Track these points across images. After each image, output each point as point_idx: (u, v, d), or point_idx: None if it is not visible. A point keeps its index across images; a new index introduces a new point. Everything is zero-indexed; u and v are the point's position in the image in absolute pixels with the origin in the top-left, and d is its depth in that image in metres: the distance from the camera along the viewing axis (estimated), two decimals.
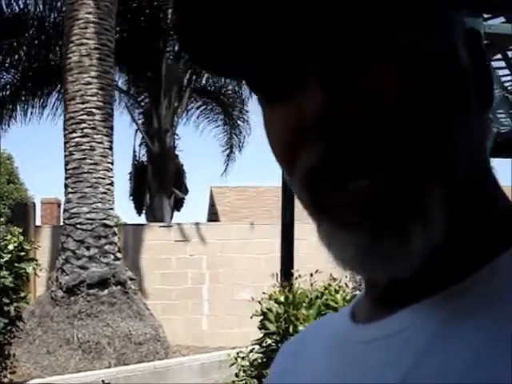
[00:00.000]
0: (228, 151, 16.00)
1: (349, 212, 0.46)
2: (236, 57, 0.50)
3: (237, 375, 4.90)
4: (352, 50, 0.46)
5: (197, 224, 12.09)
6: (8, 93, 14.08)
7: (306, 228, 11.03)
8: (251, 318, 4.76)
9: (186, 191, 15.92)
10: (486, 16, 2.54)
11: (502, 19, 2.89)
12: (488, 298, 0.46)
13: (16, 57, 13.64)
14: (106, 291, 8.81)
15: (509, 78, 4.08)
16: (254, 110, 16.30)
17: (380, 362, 0.49)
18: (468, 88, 0.50)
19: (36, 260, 7.59)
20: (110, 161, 9.32)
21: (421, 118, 0.46)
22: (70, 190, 9.07)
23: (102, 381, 6.68)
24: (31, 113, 14.46)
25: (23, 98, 14.25)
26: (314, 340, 0.62)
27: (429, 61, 0.47)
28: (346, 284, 4.76)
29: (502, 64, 3.87)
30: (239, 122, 15.83)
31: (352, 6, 0.46)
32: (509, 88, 4.17)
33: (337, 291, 4.48)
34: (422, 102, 0.46)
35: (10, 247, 7.17)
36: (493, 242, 0.49)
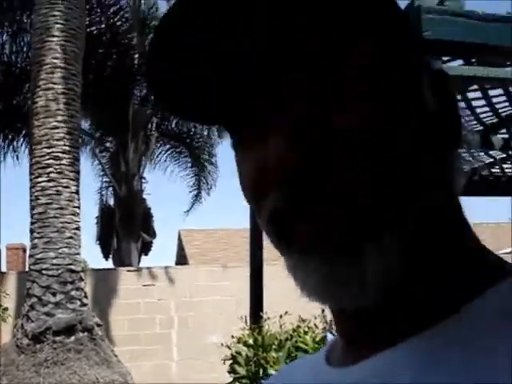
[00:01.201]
0: (196, 192, 15.98)
1: (310, 242, 0.48)
2: (208, 109, 0.54)
3: None
4: (310, 97, 0.48)
5: (165, 267, 11.99)
6: None
7: (275, 270, 10.99)
8: (223, 363, 4.71)
9: (153, 235, 15.80)
10: (444, 58, 2.62)
11: (460, 62, 2.98)
12: (457, 344, 0.46)
13: None
14: (72, 338, 8.63)
15: (469, 118, 4.17)
16: (222, 153, 16.35)
17: None
18: (431, 129, 0.51)
19: (2, 306, 7.44)
20: (77, 205, 9.23)
21: (382, 160, 0.47)
22: (35, 234, 8.94)
23: None
24: None
25: None
26: (289, 381, 0.62)
27: (392, 102, 0.49)
28: (315, 325, 4.74)
29: (462, 105, 3.98)
30: (207, 164, 15.87)
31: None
32: (475, 128, 4.27)
33: (306, 332, 4.46)
34: (385, 144, 0.48)
35: None
36: (457, 286, 0.50)
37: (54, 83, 9.13)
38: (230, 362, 4.62)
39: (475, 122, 4.23)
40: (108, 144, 15.42)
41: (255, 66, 0.49)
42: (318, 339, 4.38)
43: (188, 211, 16.08)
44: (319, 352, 0.61)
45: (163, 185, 58.99)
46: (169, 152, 16.12)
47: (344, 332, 0.55)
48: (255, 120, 0.50)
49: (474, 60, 2.88)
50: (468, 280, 0.50)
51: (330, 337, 4.25)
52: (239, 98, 0.50)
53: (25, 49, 13.38)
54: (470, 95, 3.88)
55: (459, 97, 3.75)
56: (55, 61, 9.20)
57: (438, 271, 0.51)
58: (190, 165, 15.97)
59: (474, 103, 3.98)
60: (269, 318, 4.87)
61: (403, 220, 0.48)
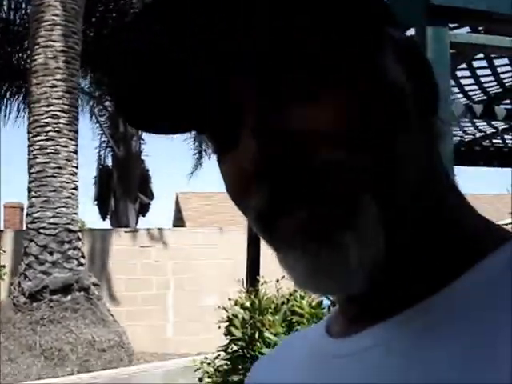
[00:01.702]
0: (197, 156, 15.95)
1: (295, 237, 0.49)
2: (181, 120, 0.55)
3: (200, 379, 4.86)
4: (272, 100, 0.49)
5: (162, 229, 12.03)
6: None
7: None
8: (218, 327, 4.74)
9: (151, 196, 15.83)
10: (452, 25, 2.58)
11: (468, 29, 2.93)
12: (451, 315, 0.47)
13: None
14: (69, 297, 8.70)
15: (473, 87, 4.13)
16: None
17: (355, 376, 0.50)
18: (402, 103, 0.51)
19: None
20: (75, 165, 9.22)
21: (355, 144, 0.48)
22: (33, 193, 8.94)
23: None
24: None
25: None
26: (290, 353, 0.63)
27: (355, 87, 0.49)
28: None
29: (467, 73, 3.93)
30: None
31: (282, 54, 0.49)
32: (473, 97, 4.23)
33: (302, 297, 4.48)
34: (355, 129, 0.48)
35: None
36: (452, 261, 0.51)
37: (54, 41, 9.04)
38: (226, 324, 4.65)
39: (479, 92, 4.19)
40: (107, 103, 15.32)
41: (255, 66, 0.49)
42: (314, 304, 4.40)
43: (191, 174, 16.08)
44: (319, 324, 0.63)
45: (163, 146, 58.89)
46: None
47: (343, 311, 0.57)
48: (230, 125, 0.50)
49: (481, 28, 2.83)
50: (459, 252, 0.51)
51: (325, 302, 4.28)
52: (233, 98, 0.50)
53: (23, 5, 13.21)
54: (476, 64, 3.84)
55: (464, 65, 3.71)
56: (55, 18, 9.08)
57: (427, 247, 0.52)
58: None
59: (479, 72, 3.93)
60: (266, 282, 4.90)
61: (382, 200, 0.48)
